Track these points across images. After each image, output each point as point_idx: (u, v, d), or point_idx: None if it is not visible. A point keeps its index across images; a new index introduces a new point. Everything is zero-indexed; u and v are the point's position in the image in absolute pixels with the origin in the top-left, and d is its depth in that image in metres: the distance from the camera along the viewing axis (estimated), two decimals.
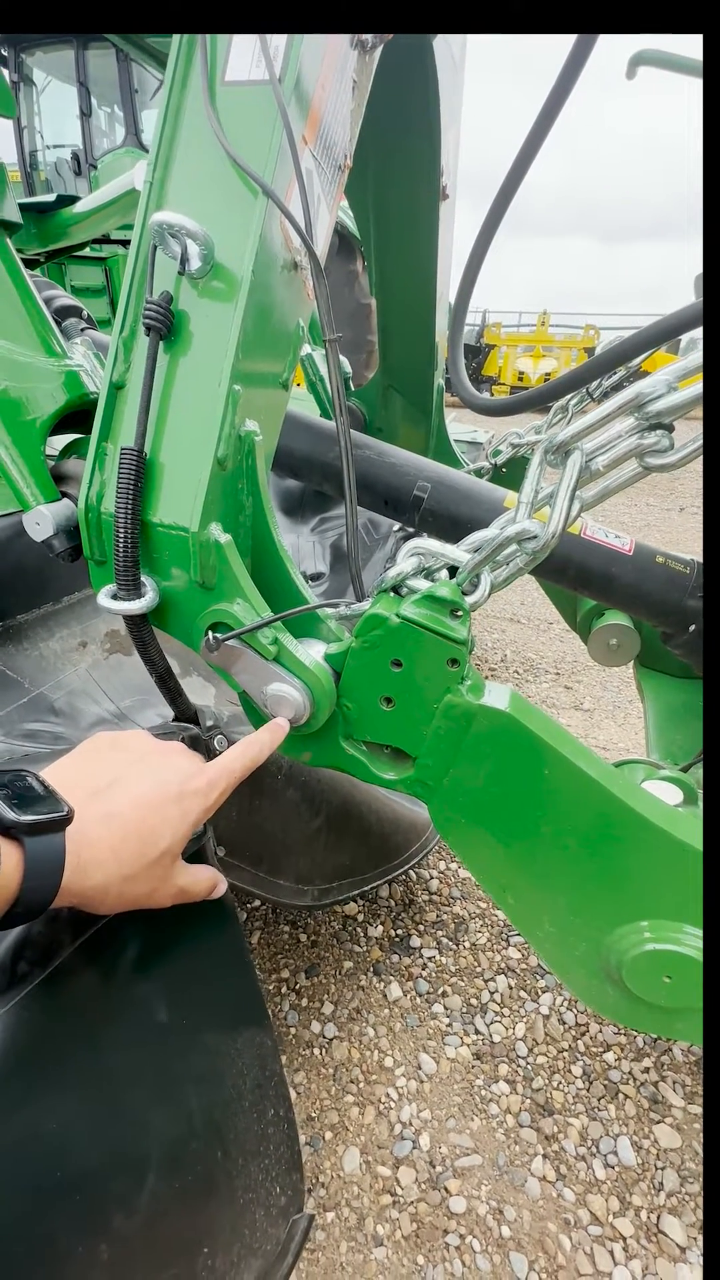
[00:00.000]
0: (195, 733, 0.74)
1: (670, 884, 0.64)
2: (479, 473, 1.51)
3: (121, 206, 1.92)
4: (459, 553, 0.61)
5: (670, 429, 0.51)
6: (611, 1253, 0.95)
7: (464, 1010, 1.27)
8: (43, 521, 0.68)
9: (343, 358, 1.65)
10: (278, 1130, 0.67)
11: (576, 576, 1.10)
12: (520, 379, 13.61)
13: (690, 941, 0.65)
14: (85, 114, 8.92)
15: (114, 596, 0.62)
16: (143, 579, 0.63)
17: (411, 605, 0.60)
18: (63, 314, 1.18)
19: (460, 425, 2.76)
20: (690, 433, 0.52)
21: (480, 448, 2.32)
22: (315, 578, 1.99)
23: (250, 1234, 0.56)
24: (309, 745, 0.70)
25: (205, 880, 0.60)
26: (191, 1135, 0.54)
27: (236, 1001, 0.65)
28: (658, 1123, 1.10)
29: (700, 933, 0.65)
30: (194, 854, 0.64)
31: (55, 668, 1.13)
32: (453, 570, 0.64)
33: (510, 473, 1.58)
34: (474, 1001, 1.29)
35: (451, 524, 1.15)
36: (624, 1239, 0.96)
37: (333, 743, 0.69)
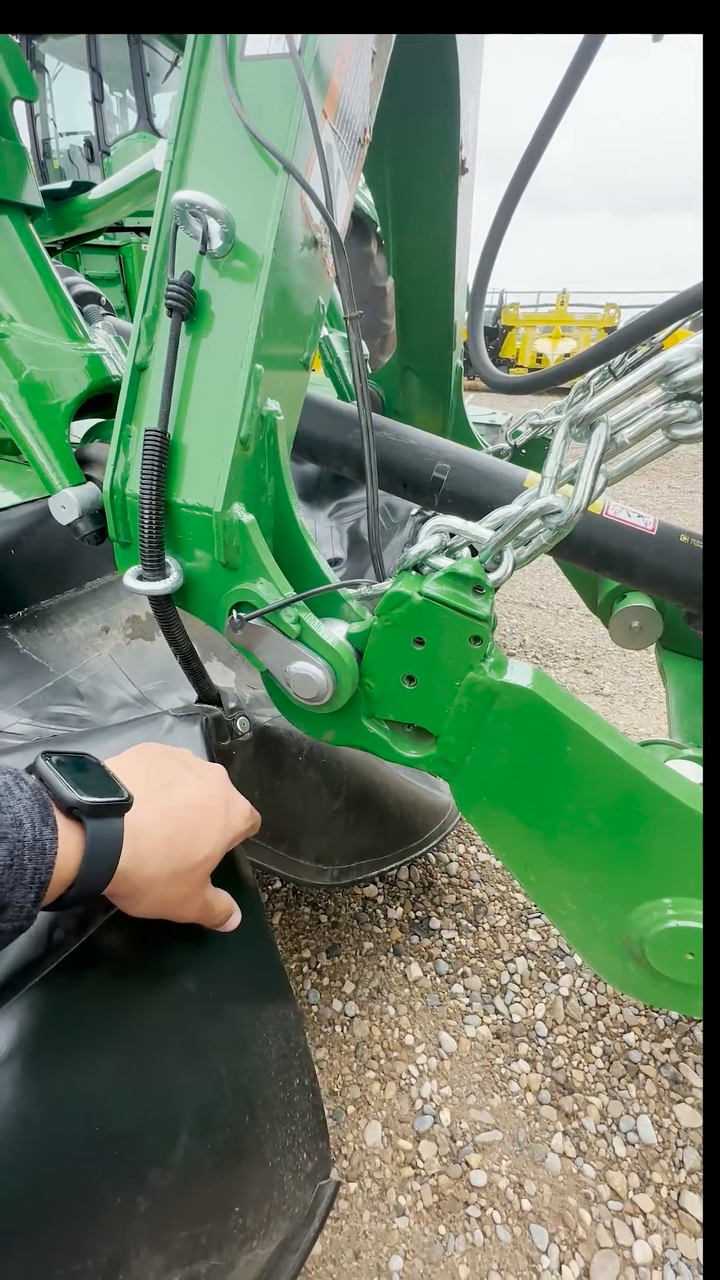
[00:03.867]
0: (218, 714, 0.75)
1: (694, 861, 0.64)
2: (499, 454, 1.50)
3: (136, 191, 1.91)
4: (481, 530, 0.61)
5: (699, 399, 0.50)
6: (632, 1227, 0.96)
7: (484, 991, 1.28)
8: (68, 505, 0.69)
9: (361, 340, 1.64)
10: (303, 1099, 0.68)
11: (598, 557, 1.09)
12: (539, 360, 13.39)
13: None
14: (98, 100, 8.87)
15: (139, 577, 0.63)
16: (167, 560, 0.64)
17: (434, 583, 0.60)
18: (82, 300, 1.19)
19: (478, 408, 2.74)
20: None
21: (499, 430, 2.28)
22: (333, 563, 1.99)
23: (279, 1195, 0.57)
24: (331, 724, 0.71)
25: (226, 905, 0.62)
26: (220, 1099, 0.56)
27: (260, 976, 0.67)
28: (678, 1102, 1.11)
29: None
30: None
31: (79, 652, 1.14)
32: (475, 549, 0.64)
33: (530, 454, 1.56)
34: (494, 982, 1.30)
35: (471, 505, 1.14)
36: (644, 1214, 0.97)
37: (355, 722, 0.70)
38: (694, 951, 0.66)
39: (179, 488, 0.62)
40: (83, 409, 0.77)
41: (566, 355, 13.41)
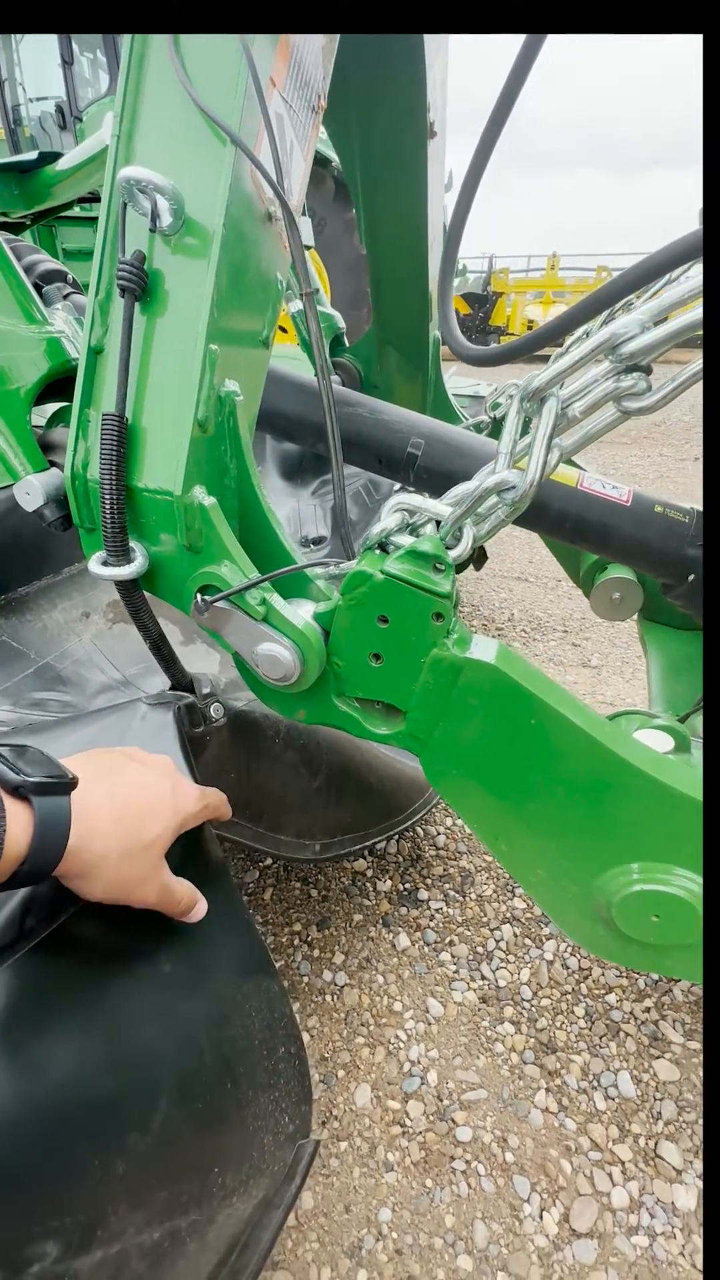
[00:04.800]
0: (191, 700, 0.75)
1: (657, 827, 0.66)
2: (478, 427, 1.49)
3: (104, 162, 1.86)
4: (441, 506, 0.61)
5: (648, 370, 0.50)
6: (610, 1175, 1.00)
7: (470, 958, 1.31)
8: (32, 491, 0.69)
9: (335, 312, 1.61)
10: (288, 1066, 0.70)
11: (574, 529, 1.09)
12: (530, 327, 13.19)
13: (678, 882, 0.67)
14: (67, 62, 8.53)
15: (104, 563, 0.63)
16: (132, 544, 0.64)
17: (395, 561, 0.60)
18: (46, 279, 1.17)
19: (462, 379, 2.70)
20: (667, 373, 0.51)
21: (483, 401, 2.27)
22: (317, 541, 1.98)
23: (259, 1156, 0.60)
24: (302, 703, 0.72)
25: (188, 893, 0.62)
26: (201, 1068, 0.57)
27: (238, 951, 0.69)
28: (657, 1058, 1.15)
29: (690, 874, 0.67)
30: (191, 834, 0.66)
31: (59, 638, 1.15)
32: (439, 524, 0.65)
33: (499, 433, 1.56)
34: (480, 949, 1.33)
35: (447, 480, 1.13)
36: (622, 1163, 1.01)
37: (325, 700, 0.71)
38: (659, 914, 0.68)
39: (139, 472, 0.62)
40: (45, 392, 0.76)
41: None
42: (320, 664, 0.66)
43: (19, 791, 0.46)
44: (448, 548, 0.61)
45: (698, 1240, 0.94)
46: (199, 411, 0.59)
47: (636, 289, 0.75)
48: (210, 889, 0.64)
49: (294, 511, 2.01)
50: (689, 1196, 0.98)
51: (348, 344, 1.59)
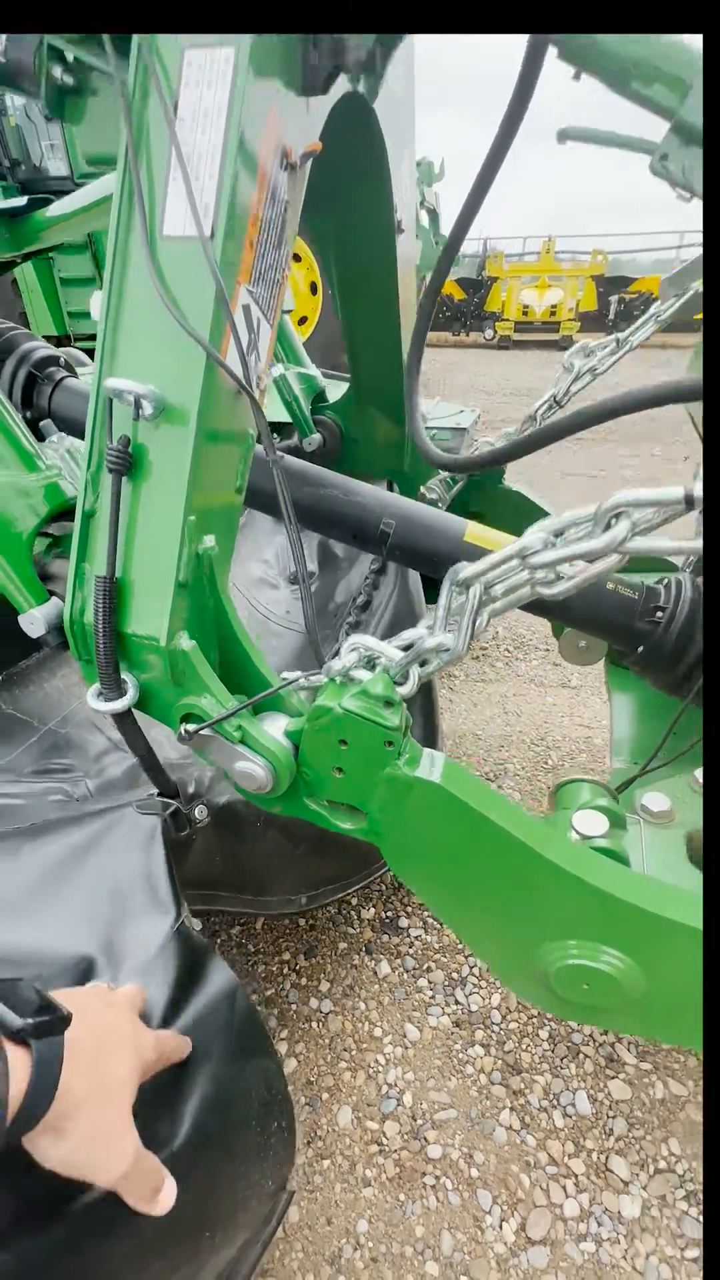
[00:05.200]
0: (175, 807, 0.85)
1: (585, 916, 0.76)
2: (435, 503, 1.57)
3: (97, 214, 1.91)
4: (392, 650, 0.71)
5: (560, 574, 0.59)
6: (564, 1187, 1.12)
7: (445, 984, 1.43)
8: (35, 623, 0.78)
9: (316, 371, 1.69)
10: (279, 1138, 0.79)
11: (537, 604, 1.18)
12: (525, 313, 13.08)
13: (604, 959, 0.77)
14: None
15: (101, 696, 0.72)
16: (124, 677, 0.73)
17: (352, 698, 0.70)
18: (40, 366, 1.24)
19: (448, 404, 2.77)
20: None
21: (465, 434, 2.34)
22: (310, 575, 2.06)
23: (245, 1216, 0.70)
24: (278, 801, 0.81)
25: (156, 1169, 0.58)
26: (201, 1148, 0.67)
27: (240, 1035, 0.77)
28: (612, 1078, 1.26)
29: (616, 952, 0.77)
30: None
31: (60, 703, 1.24)
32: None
33: (468, 490, 1.65)
34: (455, 975, 1.45)
35: (415, 556, 1.23)
36: (575, 1176, 1.13)
37: (297, 800, 0.80)
38: (589, 984, 0.79)
39: (128, 620, 0.71)
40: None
41: (553, 308, 13.05)
42: (291, 776, 0.76)
43: (19, 1035, 0.45)
44: (397, 684, 0.70)
45: (640, 1245, 1.06)
46: (180, 574, 0.68)
47: (610, 419, 0.82)
48: (209, 969, 0.73)
49: (282, 548, 2.09)
50: (634, 1206, 1.10)
51: (328, 400, 1.66)
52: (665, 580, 1.14)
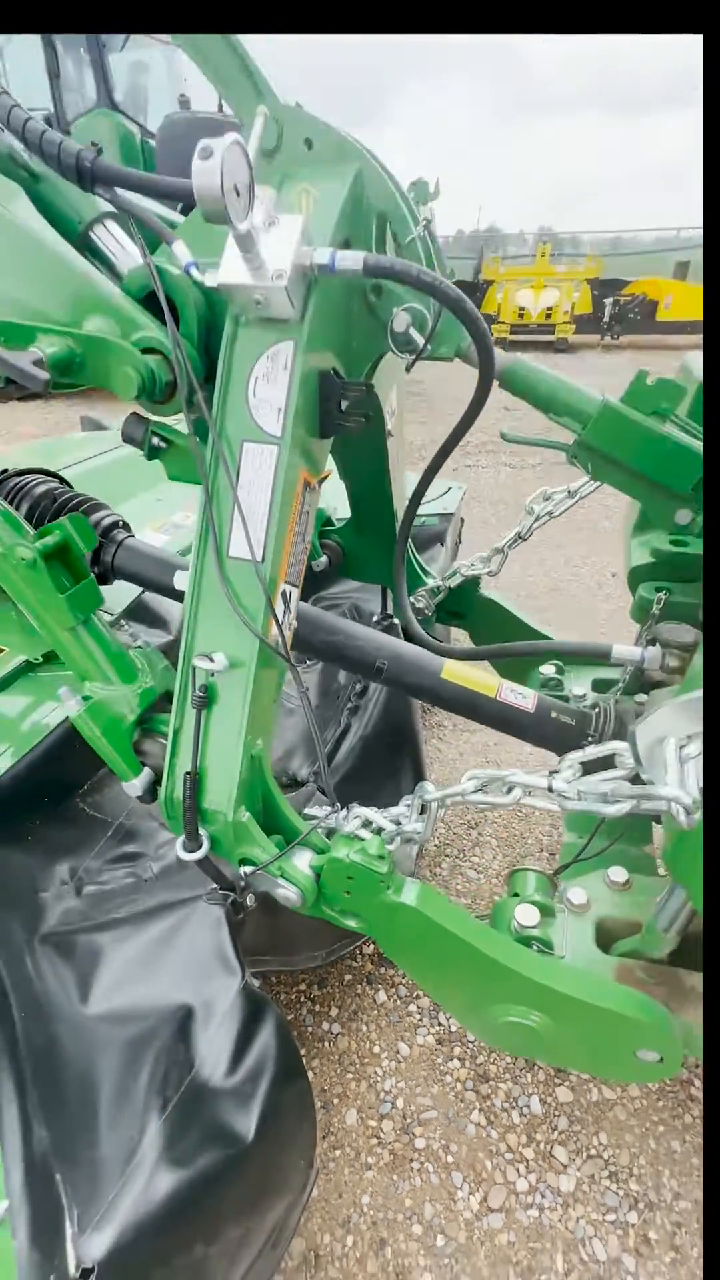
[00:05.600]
0: (233, 897, 1.19)
1: (515, 992, 1.10)
2: (424, 610, 1.90)
3: None
4: (385, 821, 1.05)
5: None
6: (518, 1170, 1.48)
7: (430, 1009, 1.79)
8: (134, 788, 1.12)
9: (321, 504, 2.00)
10: (309, 1131, 1.15)
11: (496, 721, 1.51)
12: (521, 315, 13.26)
13: (531, 1018, 1.12)
14: (54, 75, 8.52)
15: (185, 848, 1.06)
16: (200, 831, 1.07)
17: (355, 853, 1.04)
18: (107, 531, 1.56)
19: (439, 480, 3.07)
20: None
21: (450, 519, 2.65)
22: (318, 774, 2.36)
23: (289, 1184, 1.06)
24: (306, 910, 1.16)
25: None
26: (265, 1137, 1.01)
27: (287, 1063, 1.10)
28: (559, 1085, 1.62)
29: (538, 1014, 1.12)
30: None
31: (126, 800, 1.58)
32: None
33: (450, 596, 1.99)
34: (438, 1003, 1.80)
35: (403, 686, 1.56)
36: (527, 1161, 1.50)
37: (319, 908, 1.15)
38: (520, 1033, 1.13)
39: (204, 798, 1.04)
40: None
41: (549, 310, 13.17)
42: (314, 898, 1.10)
43: None
44: (387, 842, 1.04)
45: (572, 1212, 1.42)
46: (241, 775, 1.02)
47: (562, 655, 1.14)
48: (265, 1014, 1.08)
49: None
50: (570, 1183, 1.46)
51: (334, 524, 1.99)
52: (597, 708, 1.48)
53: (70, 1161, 0.82)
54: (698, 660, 0.95)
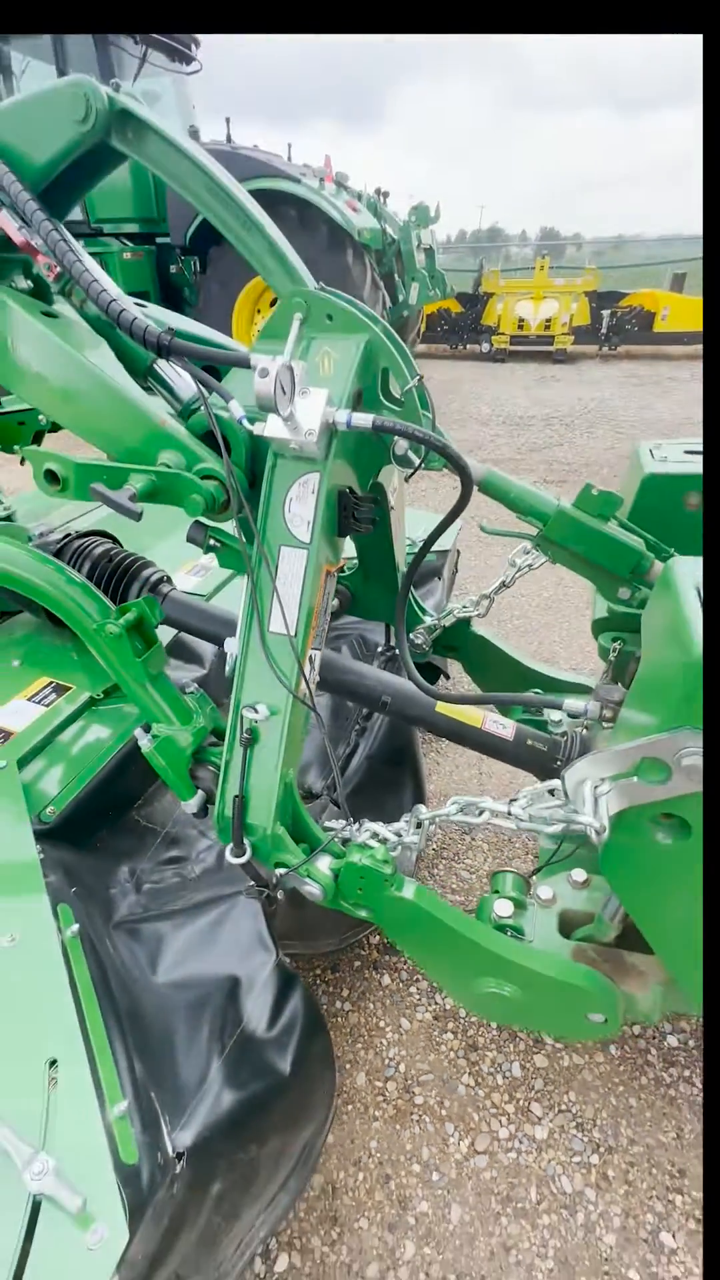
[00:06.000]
0: (267, 892, 1.49)
1: (493, 968, 1.39)
2: (423, 646, 2.20)
3: None
4: (389, 833, 1.34)
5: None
6: (500, 1121, 1.78)
7: (428, 990, 2.08)
8: (190, 807, 1.42)
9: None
10: (330, 1075, 1.46)
11: (477, 746, 1.81)
12: (520, 326, 13.55)
13: (506, 989, 1.41)
14: (4, 68, 8.52)
15: (232, 854, 1.36)
16: (245, 841, 1.37)
17: (366, 858, 1.33)
18: (155, 585, 1.87)
19: (428, 513, 3.37)
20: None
21: (447, 554, 2.94)
22: (332, 788, 2.68)
23: (314, 1114, 1.36)
24: (326, 904, 1.46)
25: None
26: (300, 1073, 1.31)
27: (313, 1021, 1.41)
28: (537, 1053, 1.92)
29: (511, 985, 1.41)
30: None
31: (171, 810, 1.88)
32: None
33: (446, 633, 2.28)
34: (435, 984, 2.10)
35: (403, 717, 1.86)
36: (508, 1114, 1.79)
37: (336, 902, 1.44)
38: (499, 1001, 1.43)
39: (249, 814, 1.34)
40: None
41: (548, 321, 13.44)
42: (333, 894, 1.40)
43: None
44: (391, 849, 1.34)
45: (544, 1155, 1.72)
46: (277, 798, 1.31)
47: (528, 703, 1.44)
48: (295, 984, 1.38)
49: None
50: (544, 1132, 1.76)
51: (344, 571, 2.28)
52: (567, 735, 1.77)
53: (159, 1085, 1.11)
54: (623, 713, 1.25)
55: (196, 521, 1.34)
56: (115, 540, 2.02)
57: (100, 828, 1.68)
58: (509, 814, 1.20)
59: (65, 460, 1.20)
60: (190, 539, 1.37)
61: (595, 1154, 1.71)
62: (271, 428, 1.15)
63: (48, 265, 1.28)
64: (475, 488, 1.39)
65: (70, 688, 1.80)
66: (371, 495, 1.43)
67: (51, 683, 1.79)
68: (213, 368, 1.37)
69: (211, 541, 1.37)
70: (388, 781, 2.21)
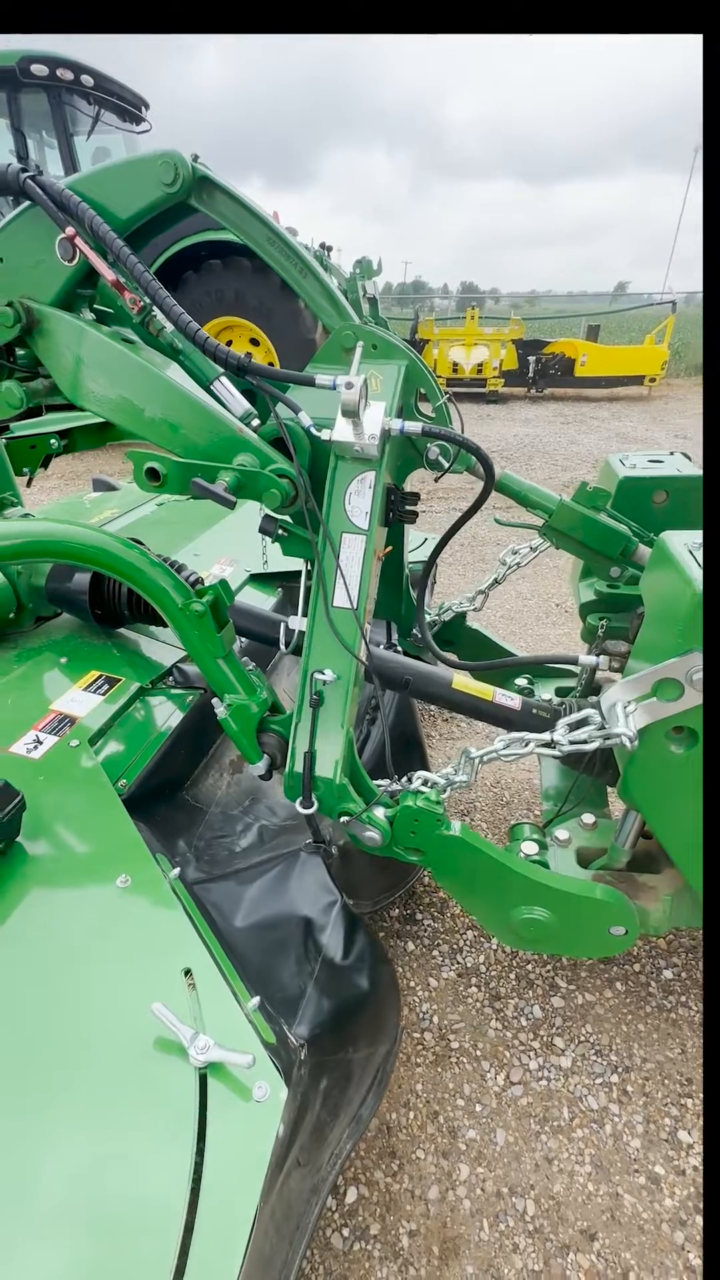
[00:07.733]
0: (324, 848, 1.67)
1: (530, 895, 1.61)
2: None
3: None
4: (438, 778, 1.56)
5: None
6: (529, 1055, 1.97)
7: (449, 951, 2.27)
8: (257, 769, 1.60)
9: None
10: (396, 999, 1.63)
11: (489, 718, 2.05)
12: (455, 369, 14.46)
13: (537, 914, 1.63)
14: (22, 158, 9.06)
15: (301, 805, 1.54)
16: (312, 795, 1.55)
17: (421, 801, 1.54)
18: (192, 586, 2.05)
19: (415, 531, 3.67)
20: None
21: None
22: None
23: (386, 1032, 1.52)
24: (382, 850, 1.64)
25: None
26: (375, 992, 1.48)
27: (378, 952, 1.58)
28: (553, 996, 2.13)
29: (545, 910, 1.63)
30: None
31: (215, 790, 2.03)
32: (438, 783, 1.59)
33: (444, 628, 2.54)
34: (455, 946, 2.29)
35: (423, 695, 2.09)
36: (534, 1050, 1.98)
37: (389, 849, 1.63)
38: (534, 926, 1.64)
39: (316, 769, 1.53)
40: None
41: (480, 365, 14.36)
42: (389, 839, 1.59)
43: None
44: (441, 791, 1.55)
45: (571, 1080, 1.91)
46: (342, 753, 1.51)
47: (537, 667, 1.70)
48: (358, 923, 1.56)
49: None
50: (568, 1061, 1.96)
51: None
52: (564, 705, 2.04)
53: (269, 998, 1.27)
54: (630, 662, 1.53)
55: (267, 515, 1.55)
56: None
57: (160, 804, 1.81)
58: (551, 742, 1.44)
59: (165, 460, 1.40)
60: (262, 530, 1.58)
61: (615, 1074, 1.92)
62: (339, 433, 1.40)
63: (132, 300, 1.49)
64: (494, 486, 1.67)
65: (120, 679, 1.95)
66: (412, 493, 1.69)
67: (102, 675, 1.93)
68: (250, 390, 1.61)
69: (280, 531, 1.58)
70: (398, 763, 2.42)
